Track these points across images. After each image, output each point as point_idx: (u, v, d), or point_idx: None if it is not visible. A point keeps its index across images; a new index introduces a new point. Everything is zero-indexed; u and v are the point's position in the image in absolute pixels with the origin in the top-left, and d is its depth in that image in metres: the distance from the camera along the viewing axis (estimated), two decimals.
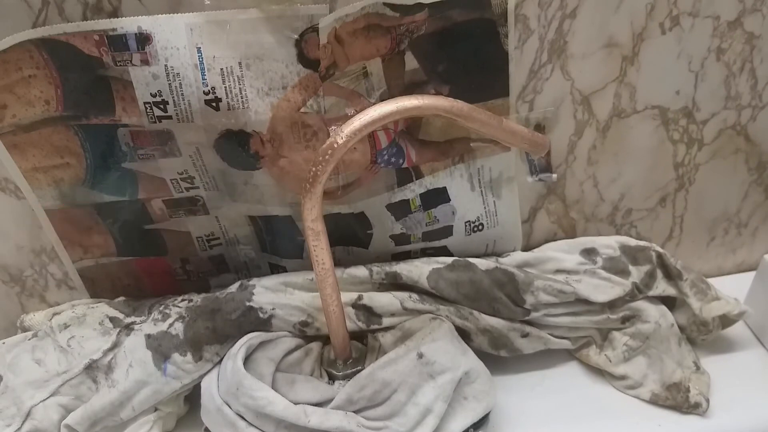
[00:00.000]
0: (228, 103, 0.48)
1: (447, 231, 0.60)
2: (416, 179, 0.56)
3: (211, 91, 0.48)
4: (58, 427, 0.53)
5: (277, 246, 0.59)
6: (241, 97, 0.48)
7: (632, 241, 0.61)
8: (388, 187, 0.56)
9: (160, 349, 0.53)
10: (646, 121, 0.57)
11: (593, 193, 0.61)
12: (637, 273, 0.59)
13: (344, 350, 0.55)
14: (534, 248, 0.63)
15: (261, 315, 0.55)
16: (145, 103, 0.48)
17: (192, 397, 0.56)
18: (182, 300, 0.57)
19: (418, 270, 0.56)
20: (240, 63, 0.47)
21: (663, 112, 0.57)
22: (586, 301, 0.57)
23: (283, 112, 0.50)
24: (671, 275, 0.60)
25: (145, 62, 0.46)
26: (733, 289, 0.60)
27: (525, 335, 0.57)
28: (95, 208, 0.55)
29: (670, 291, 0.59)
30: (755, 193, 0.64)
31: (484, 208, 0.59)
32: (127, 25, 0.45)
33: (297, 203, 0.55)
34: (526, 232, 0.62)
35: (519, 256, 0.60)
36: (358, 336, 0.58)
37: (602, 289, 0.58)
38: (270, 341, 0.55)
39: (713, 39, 0.53)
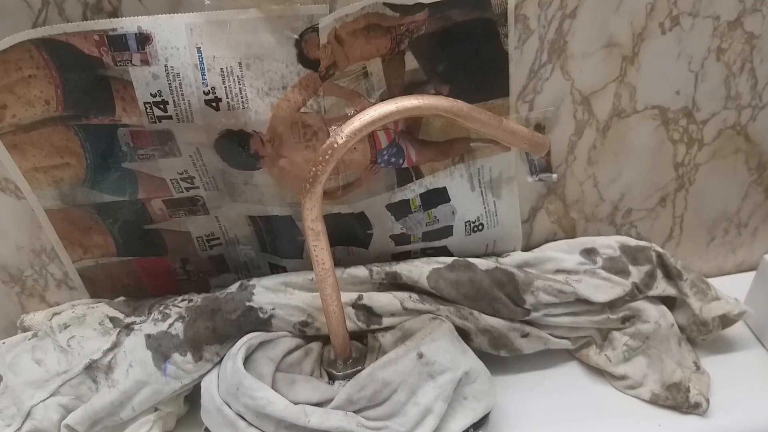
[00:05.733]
0: (228, 103, 0.48)
1: (447, 231, 0.60)
2: (416, 179, 0.56)
3: (211, 91, 0.48)
4: (58, 427, 0.53)
5: (277, 246, 0.59)
6: (241, 97, 0.48)
7: (632, 241, 0.61)
8: (388, 187, 0.56)
9: (160, 349, 0.53)
10: (646, 121, 0.57)
11: (593, 193, 0.61)
12: (637, 273, 0.59)
13: (344, 350, 0.55)
14: (534, 248, 0.63)
15: (261, 315, 0.55)
16: (145, 103, 0.48)
17: (192, 397, 0.56)
18: (182, 300, 0.57)
19: (418, 270, 0.56)
20: (240, 63, 0.47)
21: (663, 112, 0.57)
22: (586, 301, 0.57)
23: (283, 112, 0.50)
24: (671, 275, 0.60)
25: (145, 62, 0.46)
26: (733, 289, 0.60)
27: (525, 335, 0.57)
28: (95, 208, 0.55)
29: (670, 291, 0.59)
30: (755, 193, 0.64)
31: (484, 208, 0.59)
32: (127, 25, 0.45)
33: (297, 203, 0.55)
34: (526, 232, 0.62)
35: (519, 256, 0.60)
36: (358, 336, 0.58)
37: (602, 289, 0.58)
38: (270, 341, 0.55)
39: (713, 39, 0.53)
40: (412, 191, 0.57)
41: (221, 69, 0.47)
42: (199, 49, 0.46)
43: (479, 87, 0.52)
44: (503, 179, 0.58)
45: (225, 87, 0.48)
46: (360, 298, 0.56)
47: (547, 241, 0.63)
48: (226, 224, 0.58)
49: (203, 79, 0.47)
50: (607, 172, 0.60)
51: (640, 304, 0.59)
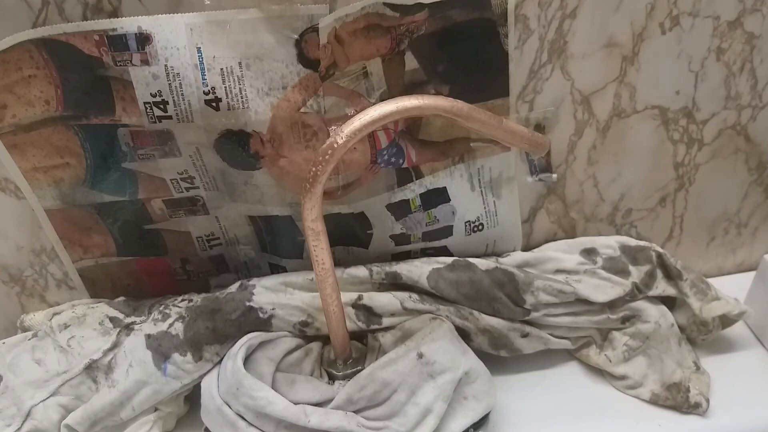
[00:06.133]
0: (228, 103, 0.48)
1: (447, 231, 0.60)
2: (416, 179, 0.56)
3: (211, 91, 0.48)
4: (58, 427, 0.53)
5: (277, 246, 0.59)
6: (241, 97, 0.48)
7: (632, 241, 0.61)
8: (388, 187, 0.56)
9: (160, 349, 0.53)
10: (646, 121, 0.57)
11: (593, 193, 0.61)
12: (637, 273, 0.59)
13: (344, 350, 0.55)
14: (534, 248, 0.63)
15: (261, 315, 0.55)
16: (145, 103, 0.48)
17: (192, 397, 0.56)
18: (182, 300, 0.57)
19: (418, 270, 0.56)
20: (240, 63, 0.47)
21: (663, 112, 0.57)
22: (586, 301, 0.57)
23: (283, 112, 0.50)
24: (671, 275, 0.60)
25: (145, 62, 0.46)
26: (733, 289, 0.60)
27: (525, 335, 0.57)
28: (95, 208, 0.55)
29: (670, 291, 0.59)
30: (755, 193, 0.64)
31: (484, 208, 0.59)
32: (127, 25, 0.45)
33: (297, 203, 0.55)
34: (526, 232, 0.62)
35: (519, 256, 0.60)
36: (358, 336, 0.58)
37: (602, 289, 0.58)
38: (270, 341, 0.55)
39: (713, 39, 0.53)
40: (412, 191, 0.57)
41: (221, 69, 0.47)
42: (199, 49, 0.46)
43: (479, 87, 0.52)
44: (503, 179, 0.58)
45: (225, 87, 0.48)
46: (360, 298, 0.56)
47: (547, 241, 0.63)
48: (226, 224, 0.58)
49: (203, 79, 0.47)
50: (607, 172, 0.60)
51: (640, 304, 0.59)
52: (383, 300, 0.56)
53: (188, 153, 0.52)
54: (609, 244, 0.61)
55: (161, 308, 0.56)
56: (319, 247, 0.48)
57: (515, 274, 0.57)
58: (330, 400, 0.51)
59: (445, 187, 0.57)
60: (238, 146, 0.51)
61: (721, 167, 0.61)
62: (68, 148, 0.51)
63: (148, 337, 0.54)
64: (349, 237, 0.59)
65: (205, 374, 0.54)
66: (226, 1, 0.46)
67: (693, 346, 0.60)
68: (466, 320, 0.56)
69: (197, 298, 0.57)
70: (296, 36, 0.47)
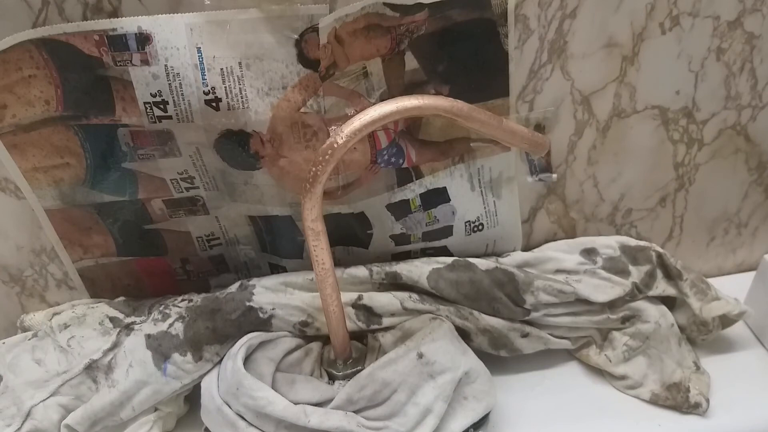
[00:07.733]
0: (228, 103, 0.48)
1: (447, 231, 0.60)
2: (416, 179, 0.56)
3: (211, 91, 0.48)
4: (58, 427, 0.53)
5: (277, 246, 0.59)
6: (241, 97, 0.48)
7: (632, 241, 0.61)
8: (388, 187, 0.56)
9: (160, 349, 0.53)
10: (646, 121, 0.57)
11: (593, 193, 0.61)
12: (637, 273, 0.59)
13: (344, 350, 0.55)
14: (534, 248, 0.63)
15: (261, 315, 0.55)
16: (145, 103, 0.48)
17: (192, 397, 0.56)
18: (182, 300, 0.57)
19: (418, 270, 0.56)
20: (240, 63, 0.47)
21: (663, 112, 0.57)
22: (586, 301, 0.57)
23: (283, 112, 0.50)
24: (671, 275, 0.60)
25: (145, 62, 0.46)
26: (733, 289, 0.60)
27: (525, 335, 0.57)
28: (95, 208, 0.55)
29: (670, 291, 0.59)
30: (755, 193, 0.64)
31: (484, 208, 0.59)
32: (127, 25, 0.45)
33: (297, 203, 0.55)
34: (526, 232, 0.62)
35: (519, 256, 0.60)
36: (358, 336, 0.58)
37: (602, 289, 0.58)
38: (270, 341, 0.55)
39: (713, 39, 0.53)
40: (412, 191, 0.57)
41: (221, 69, 0.47)
42: (199, 49, 0.46)
43: (479, 87, 0.52)
44: (503, 179, 0.58)
45: (225, 87, 0.48)
46: (360, 298, 0.56)
47: (547, 241, 0.63)
48: (226, 224, 0.58)
49: (203, 79, 0.47)
50: (607, 172, 0.60)
51: (640, 304, 0.59)
52: (383, 300, 0.56)
53: (188, 153, 0.52)
54: (609, 244, 0.61)
55: (161, 308, 0.56)
56: (319, 247, 0.48)
57: (515, 274, 0.57)
58: (330, 400, 0.51)
59: (445, 187, 0.57)
60: (238, 146, 0.51)
61: (721, 167, 0.61)
62: (68, 148, 0.51)
63: (148, 337, 0.54)
64: (349, 237, 0.59)
65: (205, 374, 0.54)
66: (226, 1, 0.46)
67: (693, 346, 0.60)
68: (466, 320, 0.56)
69: (197, 298, 0.57)
70: (296, 36, 0.47)
